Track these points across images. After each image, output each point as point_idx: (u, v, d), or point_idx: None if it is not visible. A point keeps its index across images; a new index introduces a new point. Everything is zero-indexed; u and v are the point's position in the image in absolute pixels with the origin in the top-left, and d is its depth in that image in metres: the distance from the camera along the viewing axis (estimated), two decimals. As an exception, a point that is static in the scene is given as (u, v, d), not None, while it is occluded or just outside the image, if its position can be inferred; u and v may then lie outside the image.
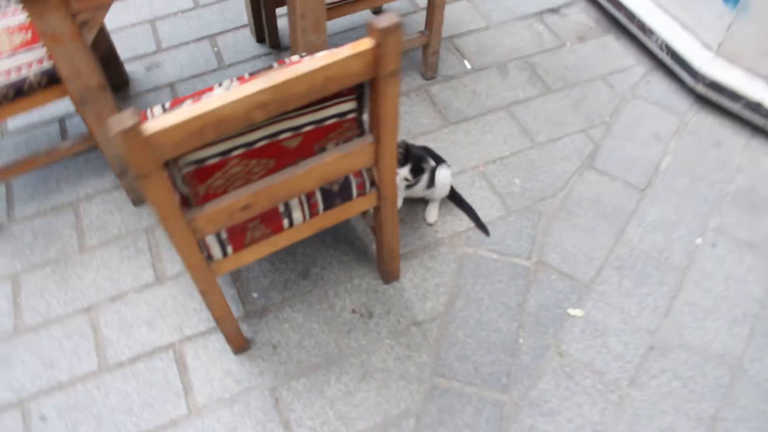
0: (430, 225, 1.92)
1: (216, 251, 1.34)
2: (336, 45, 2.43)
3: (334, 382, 1.64)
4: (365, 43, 1.08)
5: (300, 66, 1.05)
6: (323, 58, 1.07)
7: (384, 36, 1.06)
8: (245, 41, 2.49)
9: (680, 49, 2.16)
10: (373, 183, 1.46)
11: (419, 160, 1.65)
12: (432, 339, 1.70)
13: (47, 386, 1.66)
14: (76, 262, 1.89)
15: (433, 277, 1.82)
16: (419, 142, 2.14)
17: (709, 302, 1.75)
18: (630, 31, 2.38)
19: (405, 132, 2.17)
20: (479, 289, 1.78)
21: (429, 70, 2.30)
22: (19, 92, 1.67)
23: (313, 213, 1.42)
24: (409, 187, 1.78)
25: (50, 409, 1.62)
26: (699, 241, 1.88)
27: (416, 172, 1.66)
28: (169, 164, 1.11)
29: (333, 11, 1.88)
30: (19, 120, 2.27)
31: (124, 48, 2.45)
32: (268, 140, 1.18)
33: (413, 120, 2.21)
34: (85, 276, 1.86)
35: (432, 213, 1.92)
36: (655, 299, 1.76)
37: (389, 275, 1.80)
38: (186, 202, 1.21)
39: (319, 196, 1.40)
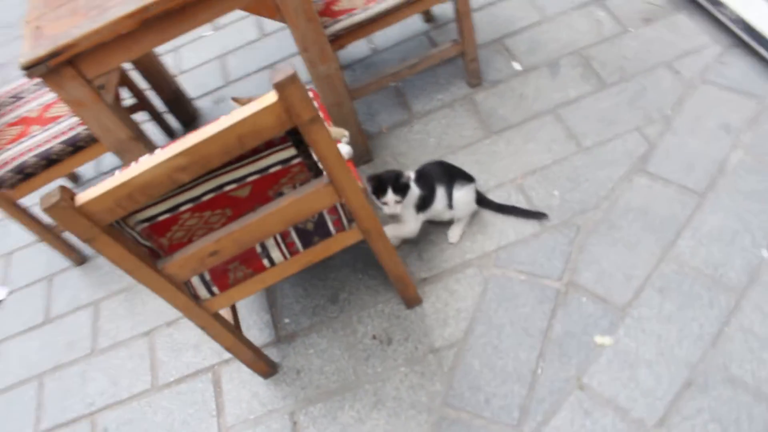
0: (452, 244, 1.85)
1: (202, 291, 1.42)
2: (388, 59, 2.43)
3: (347, 408, 1.66)
4: (269, 98, 1.08)
5: (211, 127, 1.08)
6: (234, 116, 1.08)
7: (282, 90, 1.05)
8: (302, 66, 2.56)
9: (755, 20, 1.83)
10: (352, 218, 1.44)
11: (396, 178, 1.61)
12: (447, 367, 1.65)
13: (111, 402, 1.88)
14: (142, 290, 2.11)
15: (456, 302, 1.75)
16: (459, 156, 2.05)
17: (769, 329, 1.48)
18: (702, 5, 2.06)
19: (445, 146, 2.10)
20: (502, 314, 1.68)
21: (472, 78, 2.20)
22: (77, 147, 1.90)
23: (293, 252, 1.44)
24: (421, 207, 1.73)
25: (112, 422, 1.83)
26: (766, 253, 1.59)
27: (400, 190, 1.62)
28: (120, 224, 1.20)
29: (342, 39, 1.87)
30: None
31: (196, 85, 2.65)
32: (213, 193, 1.22)
33: (455, 132, 2.13)
34: (149, 302, 2.07)
35: (455, 233, 1.85)
36: (701, 325, 1.52)
37: (410, 301, 1.77)
38: (155, 254, 1.29)
39: (294, 236, 1.42)
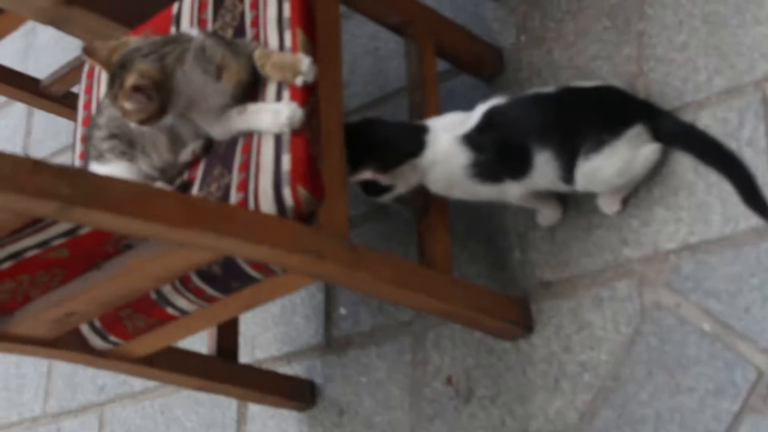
0: (606, 218, 1.85)
1: (96, 341, 1.76)
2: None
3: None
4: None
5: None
6: None
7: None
8: None
9: None
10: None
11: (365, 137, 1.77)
12: (540, 473, 1.77)
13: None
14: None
15: (584, 346, 1.79)
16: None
17: None
18: None
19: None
20: (653, 392, 1.67)
21: None
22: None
23: (209, 298, 1.63)
24: (498, 175, 1.75)
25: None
26: None
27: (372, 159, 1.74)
28: None
29: None
30: None
31: None
32: (12, 260, 1.48)
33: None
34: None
35: (608, 201, 1.82)
36: None
37: (506, 330, 1.87)
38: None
39: (198, 281, 1.59)
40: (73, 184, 1.20)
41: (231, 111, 1.64)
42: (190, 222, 1.35)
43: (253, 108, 1.62)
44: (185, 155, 1.70)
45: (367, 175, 1.72)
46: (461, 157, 1.72)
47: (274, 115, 1.58)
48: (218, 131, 1.66)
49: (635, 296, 1.73)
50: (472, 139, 1.73)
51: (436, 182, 1.76)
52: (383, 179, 1.74)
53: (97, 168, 1.72)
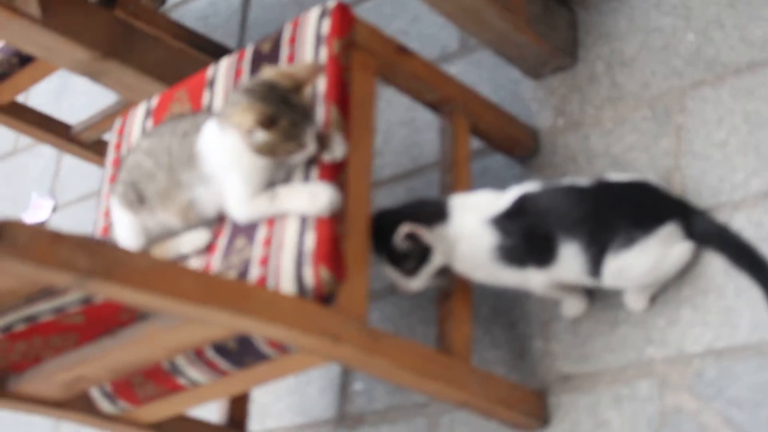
0: (631, 314, 1.84)
1: (104, 405, 1.76)
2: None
3: None
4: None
5: None
6: None
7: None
8: None
9: None
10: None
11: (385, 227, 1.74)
12: None
13: None
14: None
15: None
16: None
17: None
18: None
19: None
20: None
21: None
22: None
23: (221, 371, 1.63)
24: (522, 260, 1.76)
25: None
26: None
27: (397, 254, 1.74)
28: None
29: None
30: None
31: None
32: (25, 324, 1.49)
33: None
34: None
35: (635, 298, 1.81)
36: None
37: (528, 419, 1.85)
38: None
39: (212, 355, 1.60)
40: (91, 256, 1.21)
41: (261, 195, 1.61)
42: (207, 299, 1.35)
43: (285, 191, 1.60)
44: (189, 246, 1.70)
45: (406, 229, 1.70)
46: (488, 238, 1.72)
47: (310, 198, 1.56)
48: (244, 213, 1.64)
49: (656, 398, 1.71)
50: (500, 223, 1.73)
51: (461, 260, 1.76)
52: (424, 236, 1.71)
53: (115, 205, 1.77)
